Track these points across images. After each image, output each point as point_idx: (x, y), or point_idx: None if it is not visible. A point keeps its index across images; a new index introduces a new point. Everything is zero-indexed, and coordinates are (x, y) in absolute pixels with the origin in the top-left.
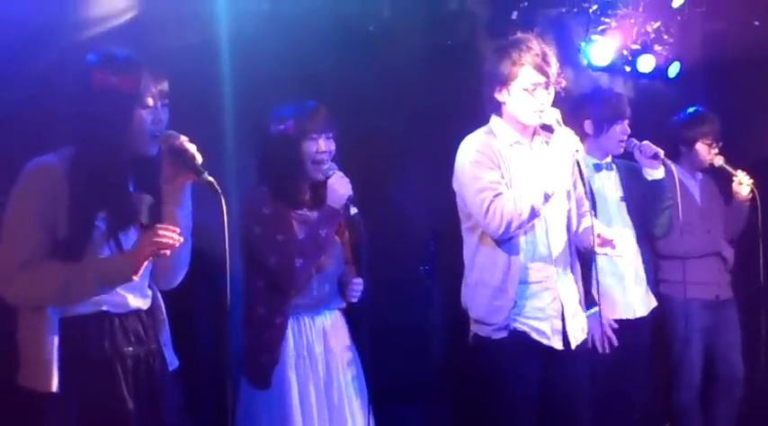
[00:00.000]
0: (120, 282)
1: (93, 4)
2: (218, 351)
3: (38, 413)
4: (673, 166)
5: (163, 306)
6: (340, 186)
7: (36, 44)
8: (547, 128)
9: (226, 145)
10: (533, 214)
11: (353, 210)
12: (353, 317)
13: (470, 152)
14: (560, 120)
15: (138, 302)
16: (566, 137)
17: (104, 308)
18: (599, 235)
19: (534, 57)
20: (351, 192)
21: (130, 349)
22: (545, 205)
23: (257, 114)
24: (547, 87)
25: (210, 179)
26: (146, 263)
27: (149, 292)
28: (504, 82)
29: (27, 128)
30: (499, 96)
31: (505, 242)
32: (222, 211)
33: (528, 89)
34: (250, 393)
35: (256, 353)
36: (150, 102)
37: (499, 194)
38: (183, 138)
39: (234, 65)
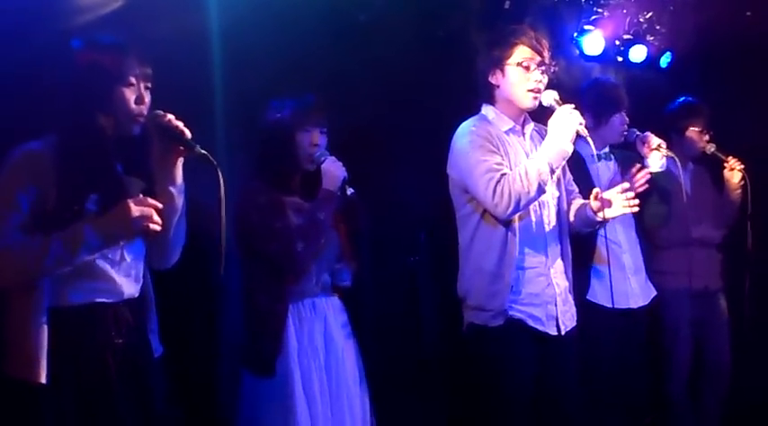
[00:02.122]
0: (105, 246)
1: None
2: (211, 336)
3: (26, 404)
4: (676, 158)
5: (152, 292)
6: (334, 169)
7: (25, 32)
8: (539, 120)
9: (216, 135)
10: (540, 190)
11: (350, 191)
12: (351, 307)
13: (470, 136)
14: (559, 100)
15: (130, 289)
16: (568, 112)
17: (97, 300)
18: (596, 196)
19: (528, 38)
20: (345, 174)
21: (120, 340)
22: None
23: (248, 103)
24: (540, 67)
25: (203, 151)
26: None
27: (142, 278)
28: (498, 62)
29: (14, 116)
30: (493, 79)
31: (501, 228)
32: (219, 183)
33: (522, 64)
34: (253, 382)
35: (259, 342)
36: (133, 80)
37: (504, 174)
38: (170, 116)
39: (224, 54)
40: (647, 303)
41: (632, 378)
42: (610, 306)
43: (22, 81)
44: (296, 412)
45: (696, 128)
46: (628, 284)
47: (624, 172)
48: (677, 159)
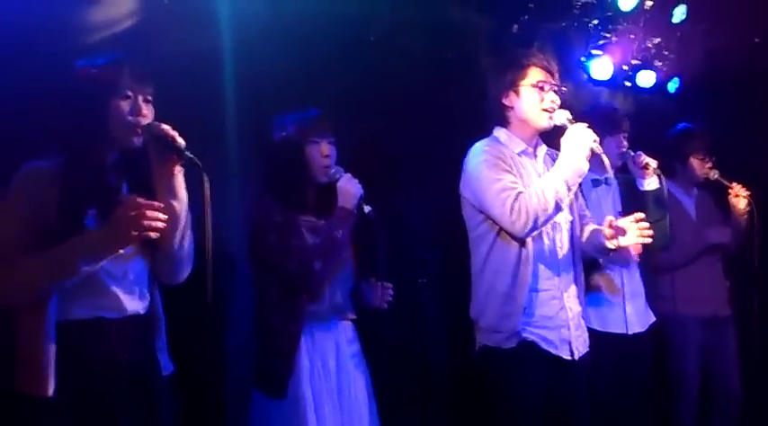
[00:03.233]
0: (103, 256)
1: (98, 10)
2: (214, 355)
3: (32, 418)
4: (662, 176)
5: (161, 309)
6: (350, 186)
7: (36, 52)
8: (551, 144)
9: (228, 152)
10: (558, 208)
11: (367, 209)
12: (362, 330)
13: (484, 156)
14: (571, 118)
15: (135, 306)
16: (581, 130)
17: (101, 314)
18: (610, 224)
19: (540, 60)
20: (362, 192)
21: (126, 356)
22: (567, 198)
23: (259, 123)
24: (553, 88)
25: (191, 156)
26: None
27: (148, 295)
28: (512, 84)
29: (22, 135)
30: (507, 101)
31: (515, 249)
32: (204, 187)
33: (537, 86)
34: (263, 403)
35: (271, 362)
36: (129, 92)
37: (521, 192)
38: (165, 126)
39: (235, 74)
40: (644, 329)
41: (632, 405)
42: (601, 330)
43: (38, 98)
44: None
45: (697, 156)
46: (622, 309)
47: (625, 195)
48: (681, 184)
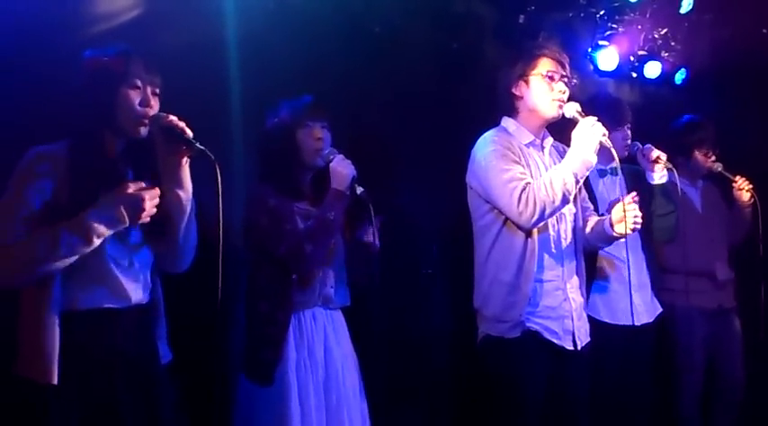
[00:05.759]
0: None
1: (104, 0)
2: (214, 344)
3: (33, 405)
4: (674, 170)
5: (162, 298)
6: (343, 167)
7: (47, 41)
8: (557, 138)
9: (232, 144)
10: (565, 200)
11: (360, 190)
12: (356, 320)
13: (493, 146)
14: (581, 111)
15: (139, 295)
16: (591, 123)
17: (106, 305)
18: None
19: (551, 51)
20: (354, 173)
21: (128, 347)
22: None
23: (263, 115)
24: (563, 79)
25: (202, 147)
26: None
27: (150, 284)
28: (522, 73)
29: (30, 122)
30: (516, 90)
31: (520, 239)
32: (217, 179)
33: (547, 76)
34: (249, 390)
35: (259, 350)
36: (138, 83)
37: (529, 183)
38: (172, 117)
39: (239, 65)
40: (651, 320)
41: (636, 395)
42: (611, 322)
43: (43, 88)
44: (290, 423)
45: (701, 149)
46: (630, 300)
47: (631, 186)
48: (686, 177)
